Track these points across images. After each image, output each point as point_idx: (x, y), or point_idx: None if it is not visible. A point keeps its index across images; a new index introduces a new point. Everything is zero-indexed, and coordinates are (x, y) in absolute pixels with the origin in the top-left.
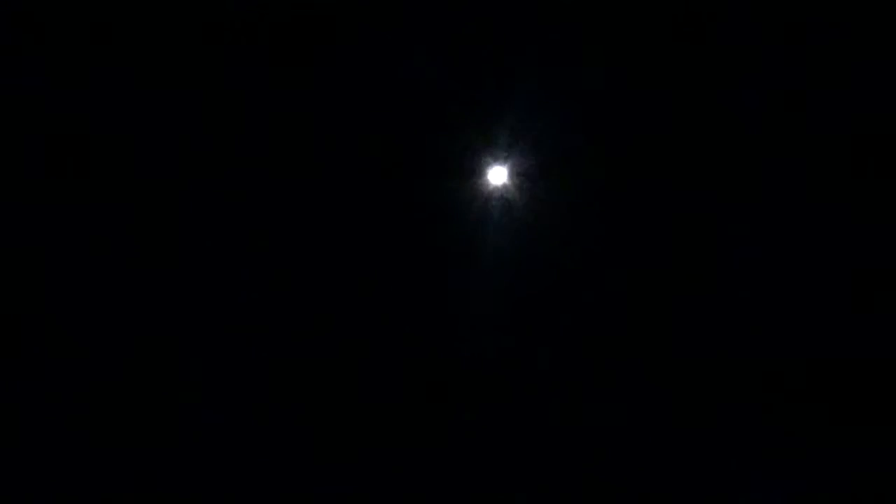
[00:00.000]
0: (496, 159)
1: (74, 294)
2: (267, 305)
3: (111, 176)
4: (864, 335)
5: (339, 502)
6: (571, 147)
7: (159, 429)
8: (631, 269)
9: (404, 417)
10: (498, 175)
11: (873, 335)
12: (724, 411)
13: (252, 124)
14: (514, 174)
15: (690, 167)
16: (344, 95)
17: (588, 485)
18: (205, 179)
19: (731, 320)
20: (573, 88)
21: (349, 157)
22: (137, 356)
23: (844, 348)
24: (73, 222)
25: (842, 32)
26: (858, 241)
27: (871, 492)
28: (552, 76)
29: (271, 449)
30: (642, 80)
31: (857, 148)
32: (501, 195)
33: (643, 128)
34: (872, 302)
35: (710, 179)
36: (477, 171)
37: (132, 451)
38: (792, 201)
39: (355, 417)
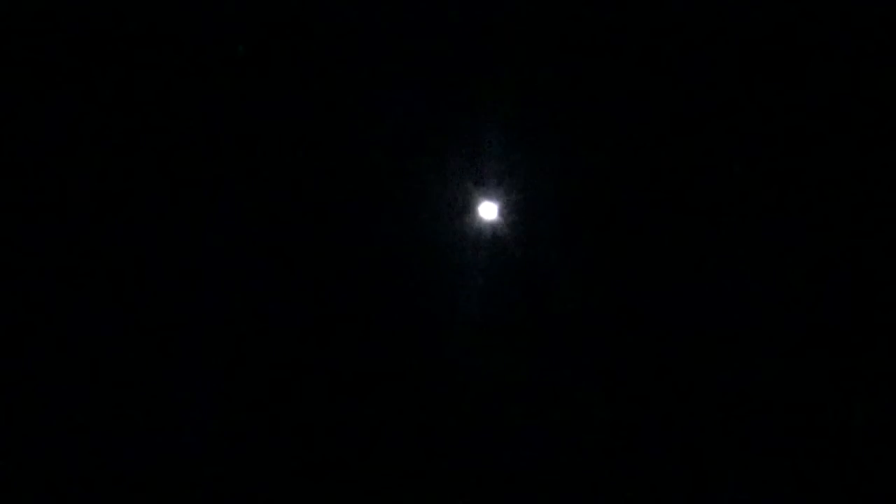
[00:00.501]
0: (486, 195)
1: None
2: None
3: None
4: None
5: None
6: (564, 183)
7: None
8: (626, 308)
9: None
10: (489, 211)
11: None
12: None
13: (237, 155)
14: (505, 210)
15: (687, 204)
16: (332, 133)
17: None
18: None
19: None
20: (567, 123)
21: (336, 198)
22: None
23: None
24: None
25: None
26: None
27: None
28: (544, 110)
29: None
30: (640, 116)
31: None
32: (492, 231)
33: (639, 164)
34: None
35: (709, 217)
36: (467, 207)
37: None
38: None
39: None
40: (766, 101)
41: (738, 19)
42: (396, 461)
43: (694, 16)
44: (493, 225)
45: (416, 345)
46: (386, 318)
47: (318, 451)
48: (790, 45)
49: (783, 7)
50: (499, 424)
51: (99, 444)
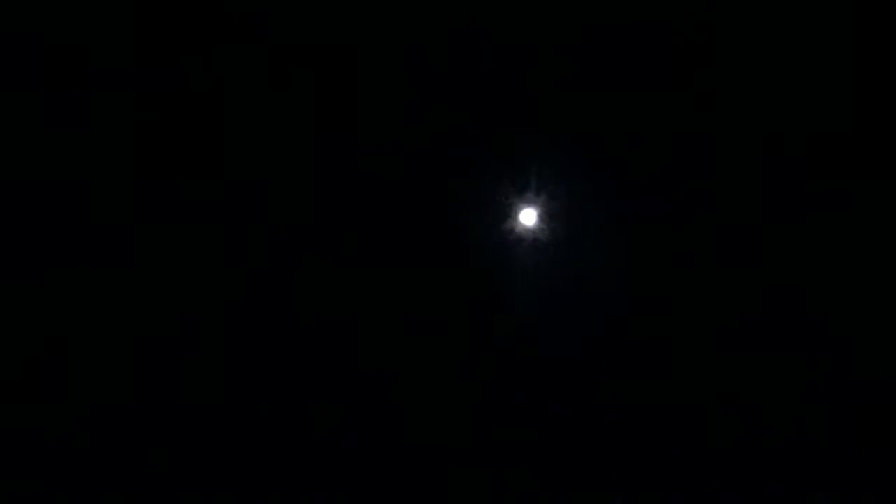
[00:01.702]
0: (526, 201)
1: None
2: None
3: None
4: None
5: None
6: (599, 189)
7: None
8: (659, 310)
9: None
10: (528, 217)
11: None
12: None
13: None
14: (543, 216)
15: (724, 205)
16: (376, 140)
17: None
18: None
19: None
20: (602, 133)
21: (382, 203)
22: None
23: None
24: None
25: None
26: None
27: None
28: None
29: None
30: (670, 125)
31: None
32: (532, 236)
33: (670, 170)
34: None
35: (740, 216)
36: (508, 214)
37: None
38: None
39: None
40: None
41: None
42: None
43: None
44: (532, 230)
45: (459, 349)
46: (429, 318)
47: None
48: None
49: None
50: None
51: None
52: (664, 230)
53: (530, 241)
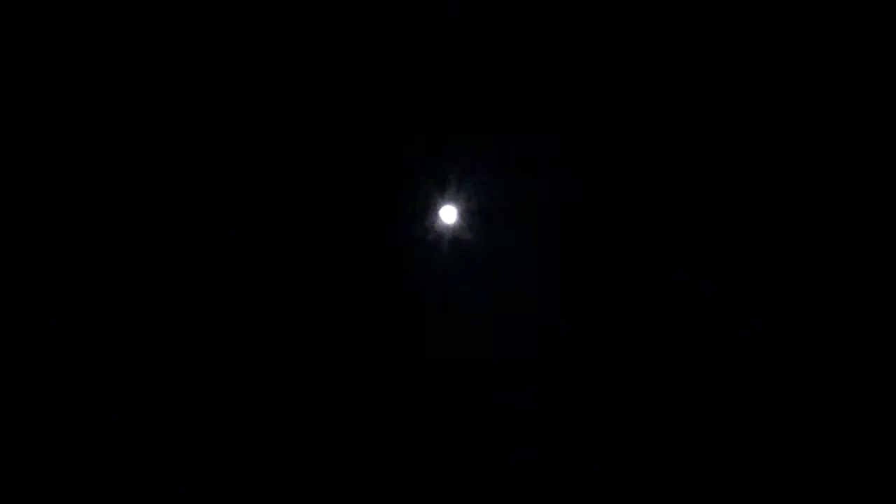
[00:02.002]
0: (447, 198)
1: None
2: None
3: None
4: None
5: None
6: (526, 187)
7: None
8: (586, 313)
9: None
10: (449, 214)
11: None
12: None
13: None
14: (464, 213)
15: (647, 213)
16: (297, 129)
17: None
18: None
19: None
20: (528, 128)
21: (299, 197)
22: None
23: None
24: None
25: None
26: None
27: None
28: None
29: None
30: (602, 122)
31: None
32: (452, 234)
33: (600, 170)
34: None
35: (673, 227)
36: (428, 211)
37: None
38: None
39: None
40: None
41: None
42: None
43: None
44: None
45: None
46: (355, 314)
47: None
48: None
49: None
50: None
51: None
52: (591, 222)
53: (451, 239)
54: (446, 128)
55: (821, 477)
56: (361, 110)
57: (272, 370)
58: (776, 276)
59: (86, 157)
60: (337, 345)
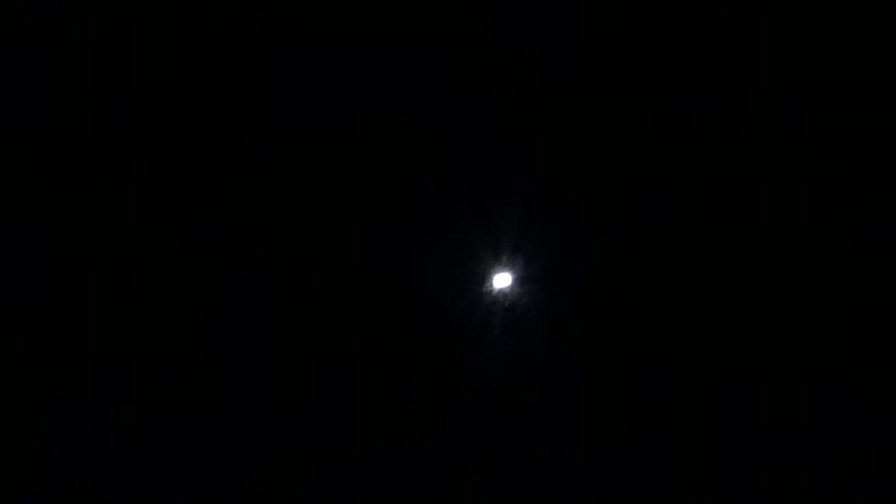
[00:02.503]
0: (501, 265)
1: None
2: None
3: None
4: None
5: None
6: (575, 255)
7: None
8: (634, 377)
9: None
10: (502, 280)
11: None
12: None
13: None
14: (518, 279)
15: (697, 264)
16: (345, 200)
17: None
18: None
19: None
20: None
21: (352, 267)
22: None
23: None
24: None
25: None
26: None
27: None
28: (555, 182)
29: None
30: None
31: None
32: (506, 300)
33: (646, 234)
34: None
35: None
36: (482, 277)
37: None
38: None
39: None
40: None
41: None
42: None
43: None
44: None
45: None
46: (405, 381)
47: None
48: None
49: None
50: None
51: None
52: (645, 297)
53: (505, 307)
54: (501, 203)
55: None
56: (424, 185)
57: (334, 426)
58: None
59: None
60: (398, 401)
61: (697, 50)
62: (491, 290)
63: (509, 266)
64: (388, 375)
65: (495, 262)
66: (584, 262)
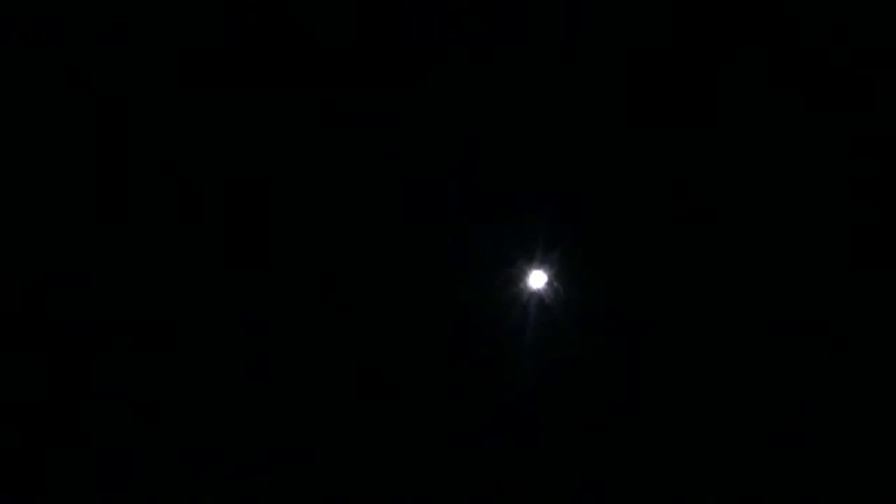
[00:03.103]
0: (535, 263)
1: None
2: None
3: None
4: None
5: None
6: (610, 251)
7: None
8: (673, 378)
9: None
10: (537, 279)
11: None
12: None
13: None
14: (553, 278)
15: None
16: (378, 200)
17: None
18: None
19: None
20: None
21: (385, 269)
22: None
23: None
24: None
25: None
26: None
27: None
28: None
29: None
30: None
31: None
32: (541, 299)
33: (686, 232)
34: None
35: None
36: (516, 276)
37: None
38: None
39: None
40: None
41: None
42: None
43: None
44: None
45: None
46: (441, 378)
47: None
48: None
49: None
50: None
51: None
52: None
53: (540, 306)
54: (537, 205)
55: None
56: (457, 188)
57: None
58: None
59: None
60: (435, 396)
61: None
62: (526, 289)
63: (544, 265)
64: (425, 375)
65: (530, 262)
66: (618, 260)
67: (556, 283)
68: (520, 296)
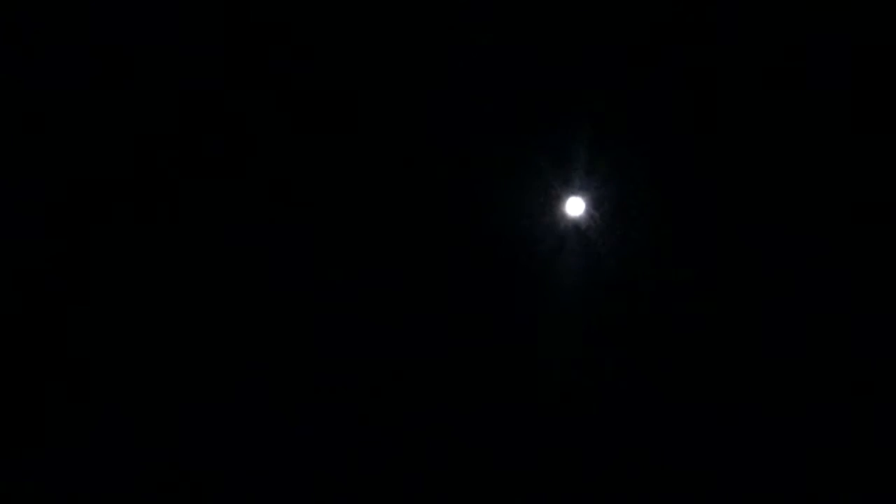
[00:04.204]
0: (573, 191)
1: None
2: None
3: None
4: None
5: None
6: (647, 181)
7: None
8: (709, 304)
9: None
10: (575, 207)
11: None
12: None
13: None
14: (590, 207)
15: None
16: (419, 138)
17: None
18: None
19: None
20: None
21: (423, 195)
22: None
23: None
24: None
25: None
26: None
27: None
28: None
29: None
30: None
31: None
32: (578, 228)
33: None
34: None
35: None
36: (553, 204)
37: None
38: None
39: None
40: None
41: None
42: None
43: None
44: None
45: (505, 336)
46: (477, 308)
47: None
48: None
49: None
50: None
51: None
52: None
53: (577, 234)
54: (573, 125)
55: None
56: (487, 107)
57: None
58: None
59: None
60: (466, 339)
61: None
62: (564, 216)
63: (582, 192)
64: (461, 306)
65: (567, 189)
66: (658, 189)
67: (594, 212)
68: (557, 224)
